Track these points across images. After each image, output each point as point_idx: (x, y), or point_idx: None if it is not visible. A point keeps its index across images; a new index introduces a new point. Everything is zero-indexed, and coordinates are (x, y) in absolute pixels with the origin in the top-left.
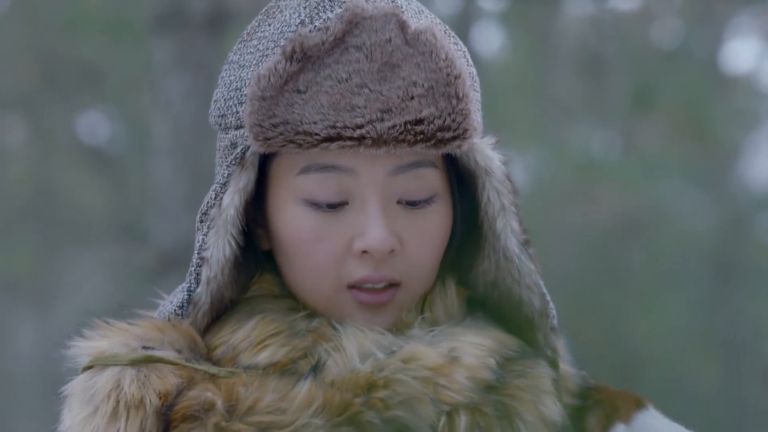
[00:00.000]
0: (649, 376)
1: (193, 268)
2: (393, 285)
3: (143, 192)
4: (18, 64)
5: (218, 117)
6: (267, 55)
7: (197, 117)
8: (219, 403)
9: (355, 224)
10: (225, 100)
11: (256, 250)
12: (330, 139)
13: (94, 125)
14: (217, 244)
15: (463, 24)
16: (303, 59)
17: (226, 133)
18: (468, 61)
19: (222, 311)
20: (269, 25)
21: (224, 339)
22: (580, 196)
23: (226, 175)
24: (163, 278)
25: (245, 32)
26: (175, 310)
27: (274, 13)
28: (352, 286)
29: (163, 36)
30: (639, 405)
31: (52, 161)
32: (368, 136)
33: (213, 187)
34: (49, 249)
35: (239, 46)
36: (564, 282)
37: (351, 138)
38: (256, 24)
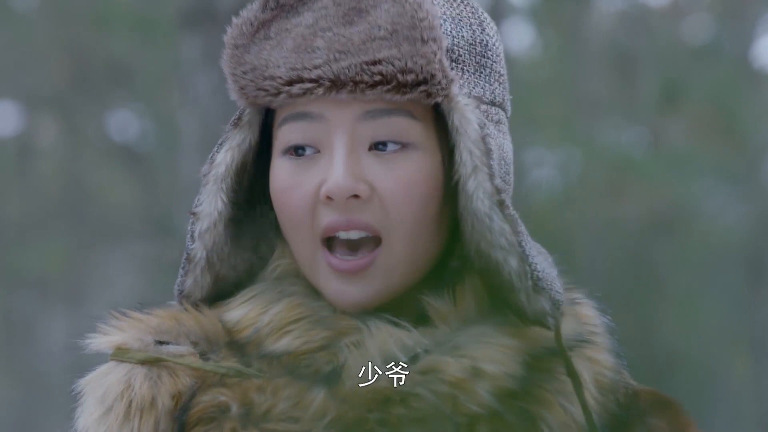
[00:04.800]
0: (680, 372)
1: (189, 227)
2: (373, 242)
3: (172, 188)
4: (48, 64)
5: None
6: None
7: (225, 113)
8: (234, 408)
9: (323, 170)
10: None
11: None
12: (291, 82)
13: (124, 123)
14: (208, 200)
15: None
16: (277, 8)
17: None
18: (483, 30)
19: (229, 276)
20: None
21: (252, 321)
22: (609, 193)
23: (222, 137)
24: None
25: None
26: (180, 273)
27: None
28: (325, 241)
29: (191, 33)
30: None
31: (82, 159)
32: (325, 76)
33: (212, 151)
34: (79, 246)
35: None
36: (594, 278)
37: (310, 80)
38: None
